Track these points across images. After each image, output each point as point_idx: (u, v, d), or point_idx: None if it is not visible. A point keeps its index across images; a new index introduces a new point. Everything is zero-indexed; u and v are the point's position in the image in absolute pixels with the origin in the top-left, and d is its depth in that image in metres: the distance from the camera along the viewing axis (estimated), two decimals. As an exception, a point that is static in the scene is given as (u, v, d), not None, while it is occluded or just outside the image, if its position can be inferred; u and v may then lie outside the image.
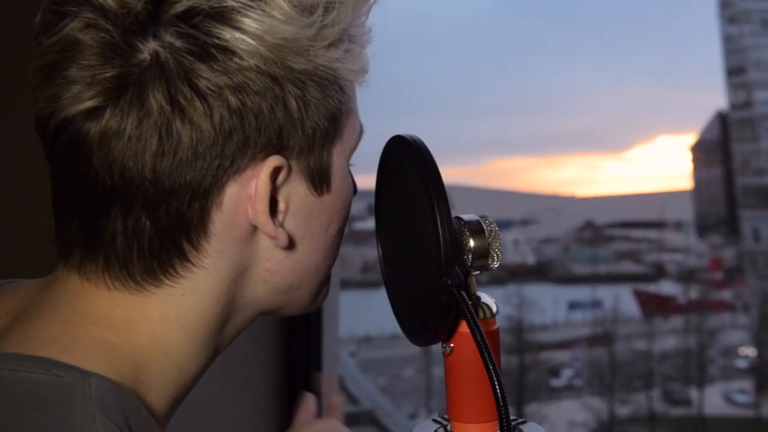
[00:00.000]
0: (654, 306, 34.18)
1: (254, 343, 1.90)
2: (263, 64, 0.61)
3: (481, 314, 0.72)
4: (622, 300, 33.66)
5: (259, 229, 0.66)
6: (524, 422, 0.73)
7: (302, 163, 0.66)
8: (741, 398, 28.79)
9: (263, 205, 0.64)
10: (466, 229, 0.72)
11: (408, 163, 0.71)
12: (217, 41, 0.60)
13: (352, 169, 0.73)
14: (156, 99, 0.60)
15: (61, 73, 0.61)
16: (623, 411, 28.27)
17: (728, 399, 28.98)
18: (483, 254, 0.72)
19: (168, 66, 0.60)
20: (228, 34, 0.61)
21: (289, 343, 1.94)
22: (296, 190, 0.67)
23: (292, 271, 0.70)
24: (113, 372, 0.62)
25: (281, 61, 0.62)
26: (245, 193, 0.64)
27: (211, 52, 0.60)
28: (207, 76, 0.60)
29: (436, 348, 0.74)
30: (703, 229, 42.26)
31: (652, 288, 37.58)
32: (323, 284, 0.75)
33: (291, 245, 0.68)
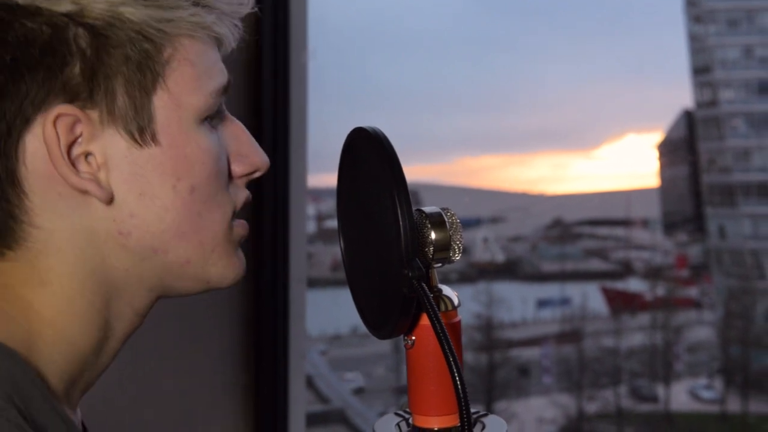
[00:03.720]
0: (621, 303, 34.46)
1: (220, 341, 1.89)
2: (24, 15, 0.65)
3: (442, 307, 0.73)
4: (590, 297, 33.92)
5: (65, 182, 0.66)
6: (486, 415, 0.73)
7: (105, 111, 0.66)
8: (706, 394, 29.16)
9: (56, 152, 0.66)
10: (427, 221, 0.72)
11: (369, 154, 0.71)
12: None
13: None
14: None
15: None
16: (591, 408, 28.48)
17: (694, 395, 29.33)
18: (444, 246, 0.72)
19: None
20: None
21: (256, 341, 1.93)
22: (112, 142, 0.68)
23: (146, 231, 0.70)
24: (4, 337, 0.66)
25: (39, 6, 0.65)
26: (42, 146, 0.66)
27: None
28: None
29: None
30: (669, 226, 42.71)
31: (619, 285, 37.91)
32: (211, 251, 0.73)
33: (123, 200, 0.68)
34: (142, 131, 0.69)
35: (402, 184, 0.69)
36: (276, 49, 1.89)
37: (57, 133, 0.66)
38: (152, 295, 0.75)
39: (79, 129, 0.67)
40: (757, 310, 30.45)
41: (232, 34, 0.74)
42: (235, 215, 0.76)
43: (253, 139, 0.78)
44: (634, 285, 37.85)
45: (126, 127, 0.68)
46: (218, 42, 0.73)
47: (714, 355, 30.60)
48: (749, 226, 36.15)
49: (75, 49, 0.66)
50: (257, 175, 0.78)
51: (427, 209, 0.74)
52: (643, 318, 32.75)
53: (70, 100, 0.66)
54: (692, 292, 36.22)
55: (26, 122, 0.66)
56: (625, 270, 40.14)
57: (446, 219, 0.73)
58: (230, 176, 0.75)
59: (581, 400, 28.54)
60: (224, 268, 0.75)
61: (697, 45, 38.41)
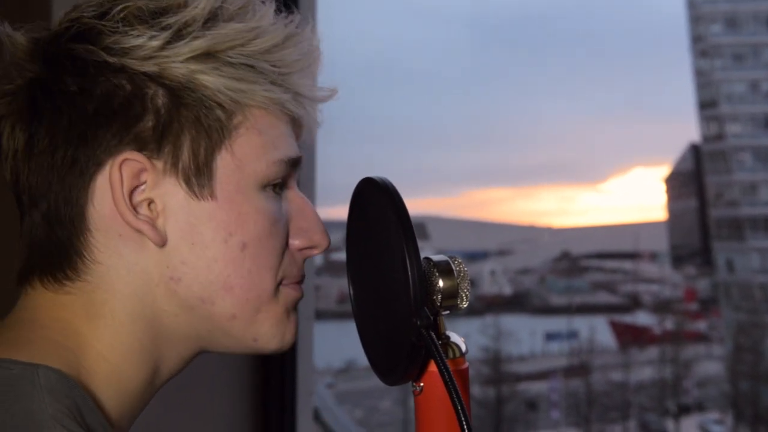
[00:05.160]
0: (630, 336, 34.28)
1: (229, 377, 1.89)
2: (110, 71, 0.70)
3: (450, 354, 0.74)
4: (598, 330, 33.74)
5: (123, 220, 0.71)
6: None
7: (170, 163, 0.71)
8: (716, 429, 28.87)
9: (118, 194, 0.70)
10: (435, 270, 0.73)
11: (378, 205, 0.73)
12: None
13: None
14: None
15: None
16: (600, 442, 28.22)
17: (704, 430, 29.04)
18: (452, 295, 0.73)
19: None
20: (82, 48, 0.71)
21: (263, 377, 1.93)
22: (172, 192, 0.72)
23: (195, 279, 0.72)
24: (60, 365, 0.68)
25: (125, 64, 0.70)
26: (109, 186, 0.71)
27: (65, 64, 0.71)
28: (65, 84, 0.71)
29: (412, 381, 0.74)
30: (677, 260, 42.60)
31: (627, 319, 37.71)
32: (257, 310, 0.75)
33: (176, 247, 0.72)
34: (201, 185, 0.72)
35: (410, 235, 0.70)
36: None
37: (122, 175, 0.70)
38: (199, 344, 0.76)
39: (144, 176, 0.71)
40: (766, 344, 30.23)
41: (310, 116, 0.78)
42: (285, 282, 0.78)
43: (318, 217, 0.80)
44: (643, 318, 37.66)
45: (187, 179, 0.71)
46: (293, 119, 0.77)
47: (723, 390, 30.34)
48: (757, 259, 36.02)
49: (151, 106, 0.71)
50: (315, 252, 0.80)
51: (435, 258, 0.75)
52: (652, 352, 32.59)
53: (139, 149, 0.71)
54: (701, 325, 36.02)
55: (98, 165, 0.71)
56: (633, 303, 39.97)
57: (454, 267, 0.74)
58: (287, 247, 0.77)
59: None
60: (270, 328, 0.76)
61: (703, 79, 38.55)
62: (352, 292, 0.79)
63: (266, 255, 0.74)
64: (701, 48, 38.16)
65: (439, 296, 0.73)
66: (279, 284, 0.76)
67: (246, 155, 0.73)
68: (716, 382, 31.16)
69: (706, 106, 38.09)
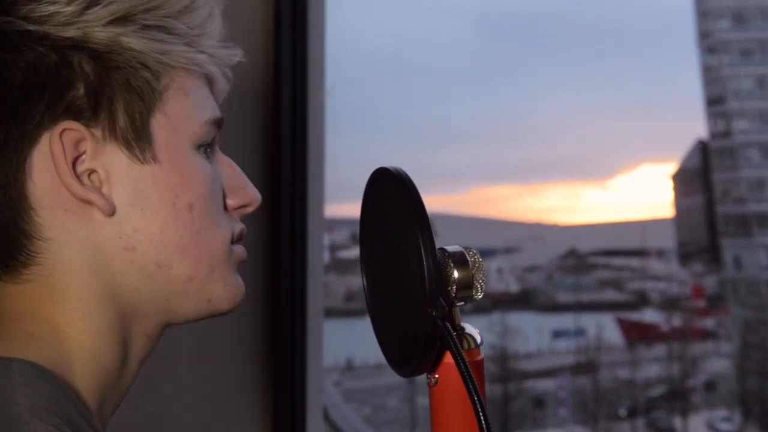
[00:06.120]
0: (637, 334, 34.21)
1: (236, 373, 1.89)
2: (33, 40, 0.69)
3: (465, 345, 0.73)
4: (606, 328, 33.68)
5: (69, 192, 0.70)
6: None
7: (107, 129, 0.70)
8: (724, 426, 28.80)
9: (62, 165, 0.69)
10: (450, 261, 0.73)
11: (392, 195, 0.72)
12: None
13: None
14: None
15: None
16: (608, 440, 28.19)
17: (712, 427, 28.98)
18: (467, 285, 0.73)
19: None
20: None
21: (273, 374, 1.93)
22: (114, 159, 0.72)
23: (149, 246, 0.72)
24: (34, 357, 0.67)
25: (47, 32, 0.69)
26: (48, 161, 0.70)
27: None
28: None
29: (421, 378, 0.74)
30: (684, 257, 42.48)
31: (635, 316, 37.63)
32: (211, 270, 0.75)
33: (126, 215, 0.71)
34: (142, 149, 0.72)
35: (426, 225, 0.70)
36: (294, 88, 1.91)
37: (63, 145, 0.69)
38: (159, 318, 0.76)
39: (83, 146, 0.70)
40: (774, 341, 30.15)
41: (223, 77, 0.79)
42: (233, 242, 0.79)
43: (245, 176, 0.81)
44: (650, 316, 37.61)
45: (127, 144, 0.71)
46: (209, 81, 0.78)
47: (731, 387, 30.27)
48: (765, 256, 35.91)
49: (79, 71, 0.70)
50: (249, 209, 0.80)
51: (450, 248, 0.74)
52: (660, 349, 32.53)
53: (75, 118, 0.70)
54: (708, 323, 35.92)
55: (33, 140, 0.70)
56: (641, 300, 39.88)
57: (469, 258, 0.74)
58: (225, 208, 0.78)
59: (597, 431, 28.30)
60: (225, 288, 0.77)
61: (710, 76, 38.44)
62: (365, 283, 0.79)
63: (212, 214, 0.75)
64: (708, 44, 38.04)
65: (454, 287, 0.73)
66: (231, 242, 0.77)
67: (178, 116, 0.74)
68: (724, 379, 31.08)
69: (714, 102, 37.98)
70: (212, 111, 0.76)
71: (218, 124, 0.77)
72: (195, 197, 0.73)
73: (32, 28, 0.69)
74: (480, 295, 0.73)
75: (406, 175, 0.72)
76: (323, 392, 2.07)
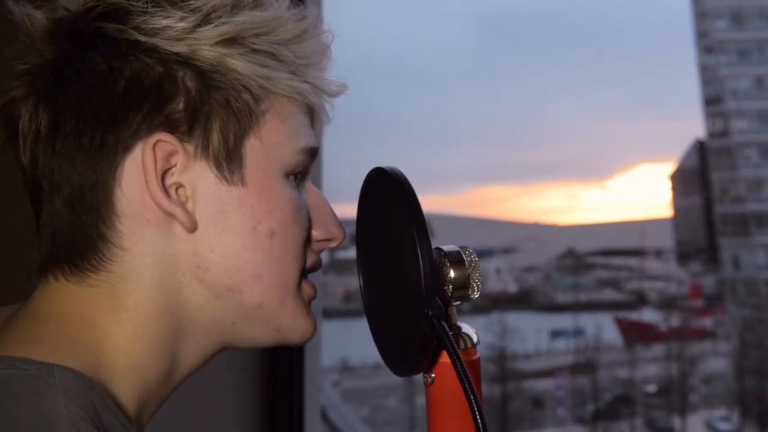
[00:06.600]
0: (635, 333, 34.20)
1: (238, 373, 1.89)
2: (141, 50, 0.70)
3: (461, 344, 0.73)
4: (604, 328, 33.68)
5: (155, 203, 0.69)
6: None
7: (200, 147, 0.70)
8: (723, 426, 28.81)
9: (151, 176, 0.69)
10: (446, 260, 0.73)
11: (388, 195, 0.72)
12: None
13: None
14: None
15: None
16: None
17: (710, 427, 28.98)
18: (463, 285, 0.73)
19: None
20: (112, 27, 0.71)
21: (271, 374, 1.93)
22: (202, 177, 0.71)
23: (223, 268, 0.72)
24: (76, 364, 0.66)
25: (156, 44, 0.70)
26: (139, 170, 0.70)
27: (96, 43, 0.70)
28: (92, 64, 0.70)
29: (419, 377, 0.74)
30: (683, 256, 42.50)
31: (633, 316, 37.63)
32: (282, 300, 0.75)
33: (205, 233, 0.71)
34: (232, 170, 0.71)
35: (422, 224, 0.70)
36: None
37: (155, 156, 0.69)
38: (221, 339, 0.75)
39: (174, 159, 0.70)
40: (772, 341, 30.15)
41: (323, 109, 0.79)
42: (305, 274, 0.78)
43: (334, 211, 0.80)
44: (648, 315, 37.60)
45: (217, 164, 0.71)
46: (310, 110, 0.77)
47: (730, 387, 30.27)
48: (763, 256, 35.92)
49: (182, 87, 0.70)
50: (332, 245, 0.80)
51: (446, 248, 0.75)
52: (658, 348, 32.52)
53: (170, 131, 0.70)
54: (707, 322, 35.92)
55: (127, 148, 0.70)
56: (639, 300, 39.88)
57: (465, 257, 0.74)
58: (308, 238, 0.77)
59: (596, 431, 28.29)
60: (295, 320, 0.76)
61: (708, 75, 38.44)
62: (362, 283, 0.79)
63: (292, 244, 0.74)
64: (706, 44, 38.05)
65: (451, 286, 0.73)
66: (302, 275, 0.76)
67: (273, 142, 0.73)
68: (723, 379, 31.08)
69: (712, 102, 37.99)
70: (308, 140, 0.76)
71: (312, 153, 0.77)
72: (277, 224, 0.73)
73: (142, 39, 0.70)
74: (476, 295, 0.73)
75: (402, 174, 0.72)
76: (321, 392, 2.07)
